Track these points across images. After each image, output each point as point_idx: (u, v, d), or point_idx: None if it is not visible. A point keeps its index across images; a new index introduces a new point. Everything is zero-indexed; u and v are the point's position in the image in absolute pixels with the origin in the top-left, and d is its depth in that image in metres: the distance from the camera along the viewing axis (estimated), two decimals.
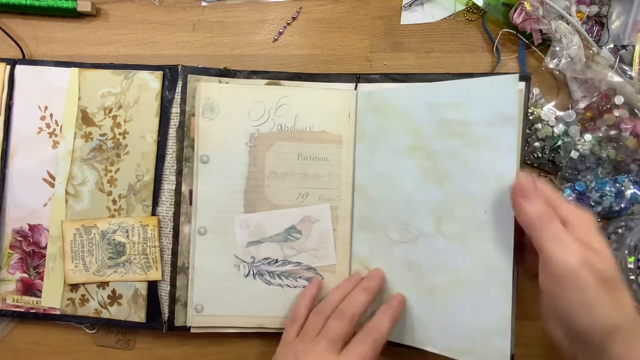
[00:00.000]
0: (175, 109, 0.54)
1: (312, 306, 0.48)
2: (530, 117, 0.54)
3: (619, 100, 0.53)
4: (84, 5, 0.55)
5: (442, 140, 0.47)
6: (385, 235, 0.50)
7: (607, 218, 0.55)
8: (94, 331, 0.55)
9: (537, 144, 0.54)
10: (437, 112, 0.47)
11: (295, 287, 0.52)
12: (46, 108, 0.54)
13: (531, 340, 0.55)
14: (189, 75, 0.53)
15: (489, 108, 0.44)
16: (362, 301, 0.46)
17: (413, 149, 0.49)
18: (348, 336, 0.44)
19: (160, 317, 0.53)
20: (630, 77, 0.53)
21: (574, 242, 0.37)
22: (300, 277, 0.52)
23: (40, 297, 0.54)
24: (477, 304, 0.45)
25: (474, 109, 0.45)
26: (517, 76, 0.43)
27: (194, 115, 0.52)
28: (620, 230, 0.52)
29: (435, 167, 0.47)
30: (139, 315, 0.53)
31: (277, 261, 0.52)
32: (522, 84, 0.52)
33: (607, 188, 0.53)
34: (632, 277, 0.49)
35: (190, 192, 0.53)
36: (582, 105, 0.54)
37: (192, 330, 0.52)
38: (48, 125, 0.54)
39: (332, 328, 0.44)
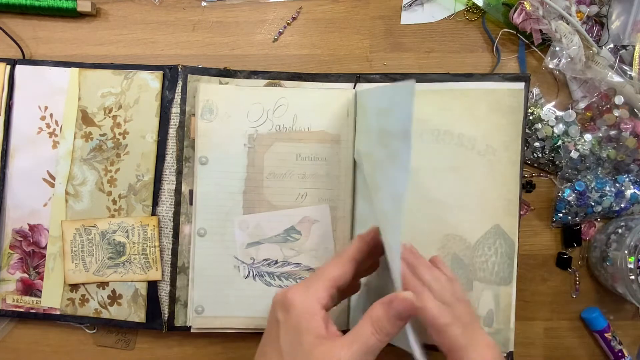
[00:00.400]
0: (175, 109, 0.54)
1: None
2: (530, 117, 0.54)
3: (619, 100, 0.53)
4: (84, 5, 0.55)
5: (379, 149, 0.41)
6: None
7: (607, 218, 0.55)
8: (94, 331, 0.55)
9: (537, 144, 0.54)
10: (379, 119, 0.42)
11: None
12: (46, 108, 0.54)
13: (531, 340, 0.55)
14: (189, 75, 0.53)
15: (398, 119, 0.38)
16: None
17: (366, 154, 0.47)
18: None
19: (160, 317, 0.53)
20: (630, 77, 0.53)
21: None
22: (300, 278, 0.52)
23: (40, 297, 0.54)
24: None
25: (391, 119, 0.39)
26: (413, 83, 0.34)
27: (194, 115, 0.52)
28: (620, 230, 0.52)
29: (374, 176, 0.43)
30: (138, 315, 0.53)
31: (276, 262, 0.52)
32: (522, 85, 0.51)
33: (607, 188, 0.53)
34: (632, 277, 0.49)
35: (190, 192, 0.53)
36: (582, 105, 0.54)
37: (192, 331, 0.52)
38: (48, 125, 0.54)
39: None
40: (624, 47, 0.54)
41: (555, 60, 0.54)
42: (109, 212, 0.54)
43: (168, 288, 0.53)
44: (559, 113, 0.54)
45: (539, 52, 0.55)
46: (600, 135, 0.54)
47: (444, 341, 0.40)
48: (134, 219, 0.53)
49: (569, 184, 0.54)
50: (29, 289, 0.54)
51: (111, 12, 0.57)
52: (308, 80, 0.54)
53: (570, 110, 0.54)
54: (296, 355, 0.34)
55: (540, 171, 0.56)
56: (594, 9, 0.54)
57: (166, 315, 0.53)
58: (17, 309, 0.54)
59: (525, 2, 0.52)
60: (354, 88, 0.53)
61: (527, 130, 0.54)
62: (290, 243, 0.52)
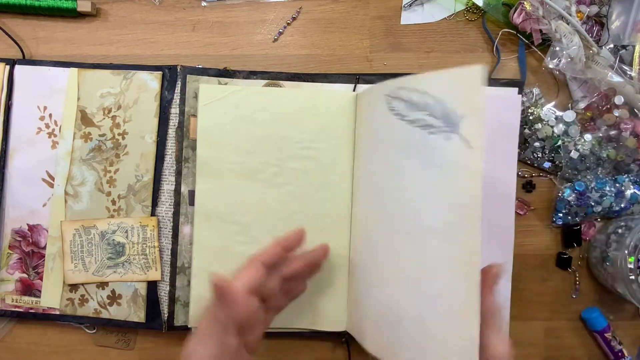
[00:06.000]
0: (175, 110, 0.53)
1: None
2: (530, 117, 0.54)
3: (619, 100, 0.53)
4: (84, 5, 0.55)
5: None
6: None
7: (607, 218, 0.55)
8: (94, 331, 0.55)
9: (537, 144, 0.54)
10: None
11: None
12: (45, 108, 0.54)
13: (531, 340, 0.55)
14: (188, 76, 0.53)
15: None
16: None
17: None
18: None
19: (159, 317, 0.53)
20: (630, 77, 0.53)
21: None
22: None
23: (39, 297, 0.54)
24: None
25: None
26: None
27: (193, 115, 0.52)
28: (620, 230, 0.52)
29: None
30: (138, 315, 0.53)
31: None
32: (515, 90, 0.53)
33: (607, 188, 0.53)
34: (632, 277, 0.49)
35: (190, 192, 0.52)
36: (582, 105, 0.54)
37: (192, 331, 0.52)
38: (47, 126, 0.54)
39: None
40: (624, 47, 0.54)
41: (555, 60, 0.54)
42: (109, 212, 0.53)
43: (168, 288, 0.53)
44: (559, 113, 0.54)
45: (539, 52, 0.55)
46: (600, 135, 0.54)
47: None
48: (134, 219, 0.53)
49: (569, 184, 0.54)
50: (29, 289, 0.54)
51: (111, 12, 0.57)
52: (307, 81, 0.53)
53: (570, 110, 0.54)
54: None
55: (540, 171, 0.56)
56: (594, 9, 0.54)
57: (166, 315, 0.53)
58: (17, 309, 0.54)
59: (525, 2, 0.52)
60: (354, 90, 0.53)
61: (527, 130, 0.54)
62: None
